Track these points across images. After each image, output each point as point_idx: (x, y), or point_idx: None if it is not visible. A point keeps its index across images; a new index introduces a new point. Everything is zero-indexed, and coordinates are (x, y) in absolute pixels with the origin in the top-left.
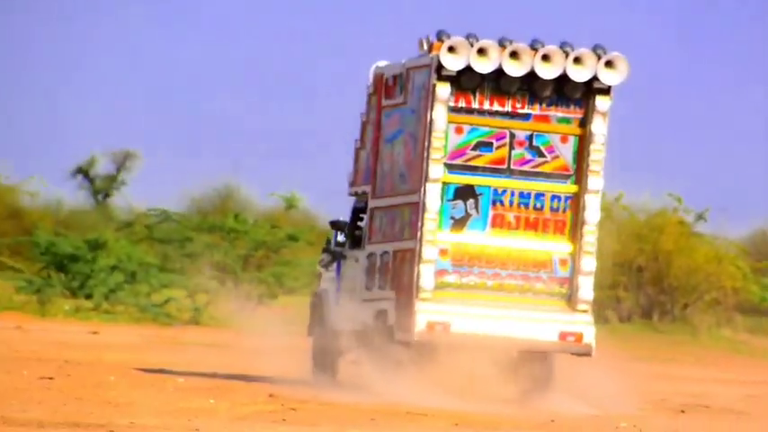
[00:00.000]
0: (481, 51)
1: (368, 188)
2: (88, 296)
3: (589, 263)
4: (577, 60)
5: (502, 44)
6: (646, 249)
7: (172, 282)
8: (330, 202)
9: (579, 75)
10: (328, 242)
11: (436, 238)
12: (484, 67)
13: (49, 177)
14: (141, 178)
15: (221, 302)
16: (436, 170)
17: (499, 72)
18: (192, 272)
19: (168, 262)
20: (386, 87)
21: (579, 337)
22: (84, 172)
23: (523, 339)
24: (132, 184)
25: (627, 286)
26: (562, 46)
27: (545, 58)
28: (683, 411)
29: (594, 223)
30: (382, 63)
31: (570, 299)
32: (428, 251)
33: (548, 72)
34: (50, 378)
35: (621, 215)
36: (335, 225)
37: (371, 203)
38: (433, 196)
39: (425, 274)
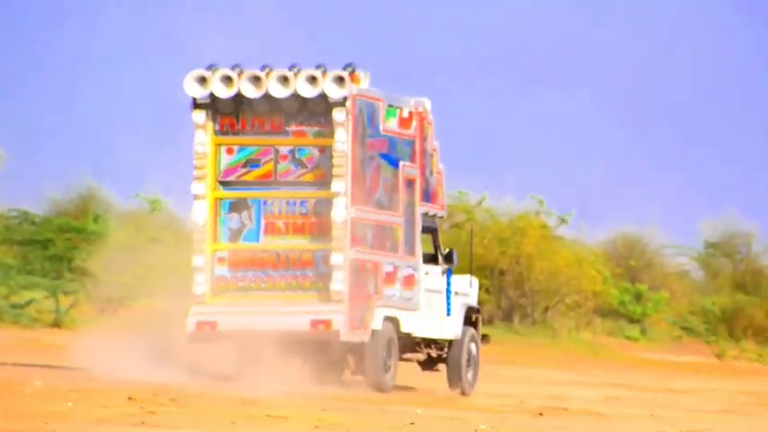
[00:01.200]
0: (226, 79)
1: None
2: None
3: (337, 258)
4: (311, 80)
5: (241, 71)
6: (508, 252)
7: (33, 284)
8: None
9: (310, 92)
10: None
11: (208, 249)
12: (225, 93)
13: None
14: (1, 178)
15: (83, 305)
16: (199, 188)
17: (262, 98)
18: (54, 274)
19: (29, 264)
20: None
21: (328, 324)
22: None
23: (279, 330)
24: None
25: (489, 289)
26: (292, 67)
27: (283, 80)
28: (541, 414)
29: (342, 222)
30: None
31: (324, 291)
32: (199, 261)
33: (282, 92)
34: None
35: (484, 218)
36: None
37: None
38: (199, 212)
39: (199, 282)
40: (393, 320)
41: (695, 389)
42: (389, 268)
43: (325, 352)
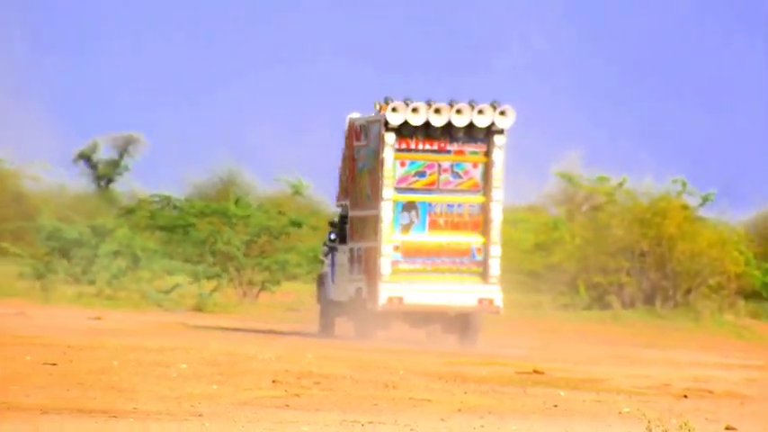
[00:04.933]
0: (414, 110)
1: (348, 202)
2: (91, 282)
3: (495, 249)
4: (480, 112)
5: (429, 104)
6: (649, 234)
7: (174, 268)
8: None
9: (482, 122)
10: (328, 237)
11: (391, 238)
12: (416, 120)
13: (51, 162)
14: (144, 163)
15: (225, 289)
16: (388, 192)
17: (427, 123)
18: (196, 258)
19: (171, 248)
20: (356, 133)
21: (491, 302)
22: (86, 157)
23: (453, 305)
24: (135, 169)
25: (630, 272)
26: (470, 102)
27: (458, 111)
28: (685, 396)
29: (498, 221)
30: (354, 115)
31: (484, 275)
32: (385, 248)
33: (460, 121)
34: (53, 364)
35: (625, 200)
36: (332, 225)
37: (351, 213)
38: (386, 210)
39: (384, 264)
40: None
41: None
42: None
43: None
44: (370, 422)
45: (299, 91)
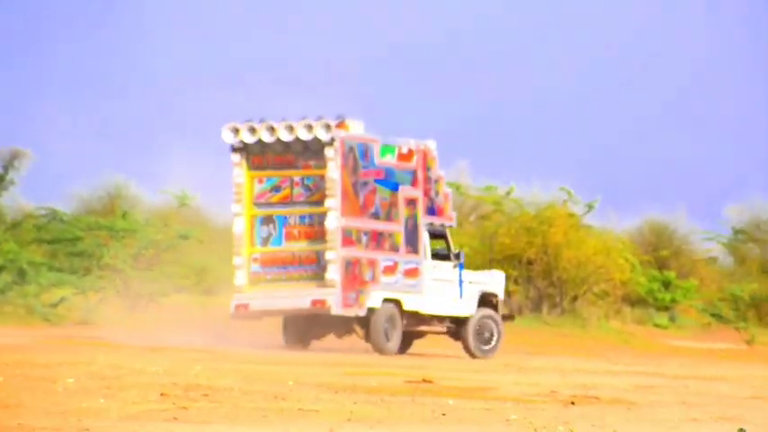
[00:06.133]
0: (251, 129)
1: None
2: None
3: (330, 255)
4: (308, 127)
5: (262, 122)
6: (536, 243)
7: (61, 281)
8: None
9: (307, 136)
10: None
11: (244, 252)
12: (250, 139)
13: None
14: (30, 177)
15: (112, 301)
16: (236, 208)
17: (278, 140)
18: (82, 271)
19: (57, 261)
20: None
21: (323, 303)
22: None
23: (288, 308)
24: (21, 183)
25: (517, 280)
26: (307, 119)
27: (289, 128)
28: (572, 403)
29: (333, 229)
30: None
31: (322, 279)
32: (237, 261)
33: (288, 137)
34: None
35: (512, 209)
36: None
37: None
38: (237, 226)
39: (238, 276)
40: (395, 301)
41: (726, 376)
42: (389, 263)
43: (343, 325)
44: None
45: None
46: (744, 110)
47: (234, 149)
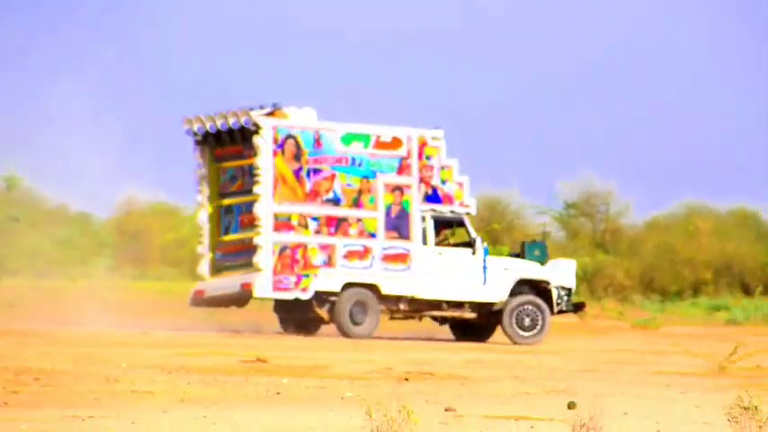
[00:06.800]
0: (200, 121)
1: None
2: None
3: (258, 240)
4: (236, 117)
5: (207, 115)
6: None
7: None
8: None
9: (236, 125)
10: None
11: (210, 241)
12: (201, 131)
13: None
14: None
15: None
16: (199, 198)
17: (230, 130)
18: None
19: None
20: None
21: (249, 285)
22: None
23: (228, 293)
24: None
25: None
26: (244, 108)
27: (223, 118)
28: (406, 379)
29: (262, 215)
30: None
31: (254, 264)
32: (200, 250)
33: (224, 126)
34: None
35: None
36: None
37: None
38: (202, 216)
39: (201, 265)
40: (367, 285)
41: (557, 349)
42: (356, 248)
43: (303, 310)
44: (91, 417)
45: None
46: (576, 81)
47: (196, 142)
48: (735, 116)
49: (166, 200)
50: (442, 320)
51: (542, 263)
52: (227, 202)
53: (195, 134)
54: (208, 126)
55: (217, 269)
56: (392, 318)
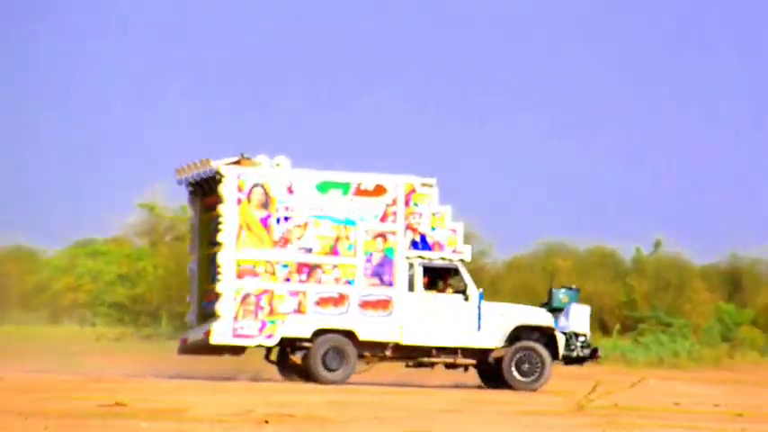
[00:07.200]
0: (181, 170)
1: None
2: None
3: (219, 287)
4: (205, 166)
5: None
6: None
7: None
8: None
9: (202, 175)
10: None
11: (198, 289)
12: (181, 181)
13: None
14: None
15: None
16: (191, 249)
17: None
18: None
19: None
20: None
21: (208, 333)
22: None
23: (198, 340)
24: None
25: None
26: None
27: (194, 167)
28: (266, 422)
29: (224, 262)
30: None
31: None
32: (189, 298)
33: (190, 177)
34: None
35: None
36: None
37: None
38: (191, 265)
39: (189, 313)
40: (342, 332)
41: (420, 391)
42: (330, 294)
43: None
44: None
45: None
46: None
47: (189, 192)
48: (594, 156)
49: (25, 243)
50: (456, 367)
51: (560, 309)
52: (215, 250)
53: (181, 183)
54: (190, 175)
55: (203, 317)
56: (405, 365)
